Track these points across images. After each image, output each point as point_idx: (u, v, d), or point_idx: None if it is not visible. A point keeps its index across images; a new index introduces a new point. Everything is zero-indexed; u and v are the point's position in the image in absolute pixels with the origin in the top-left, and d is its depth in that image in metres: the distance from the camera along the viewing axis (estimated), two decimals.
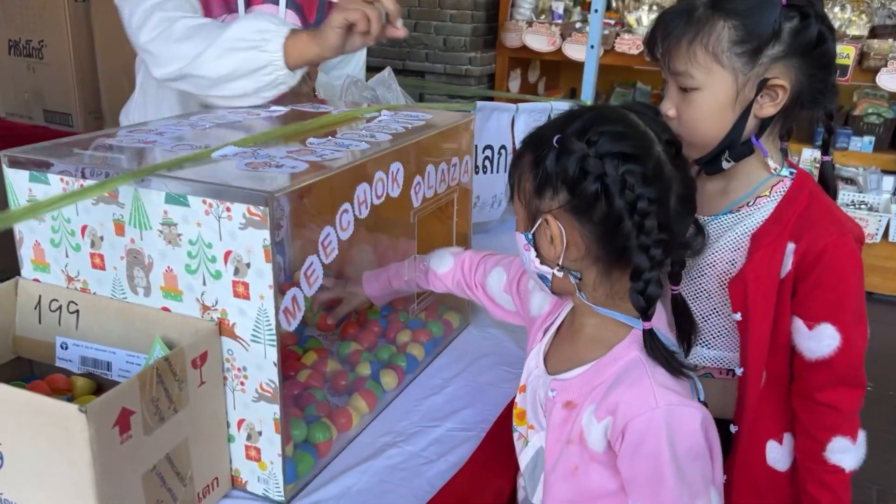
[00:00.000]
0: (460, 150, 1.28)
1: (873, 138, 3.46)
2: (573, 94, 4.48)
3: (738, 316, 0.96)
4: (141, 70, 1.52)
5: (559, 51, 3.69)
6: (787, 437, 1.01)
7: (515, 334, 1.36)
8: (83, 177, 0.91)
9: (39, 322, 0.99)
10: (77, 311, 0.96)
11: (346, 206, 0.97)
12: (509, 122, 1.83)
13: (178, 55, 1.22)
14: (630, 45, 3.54)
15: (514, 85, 4.05)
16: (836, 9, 3.46)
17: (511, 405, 1.13)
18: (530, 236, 0.84)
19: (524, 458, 0.95)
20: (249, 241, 0.84)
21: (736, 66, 0.91)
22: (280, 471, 0.92)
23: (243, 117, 1.23)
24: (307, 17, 1.44)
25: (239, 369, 0.90)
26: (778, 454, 1.02)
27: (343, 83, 1.61)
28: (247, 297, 0.87)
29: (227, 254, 0.86)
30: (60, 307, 0.97)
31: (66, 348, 0.97)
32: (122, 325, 0.95)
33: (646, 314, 0.79)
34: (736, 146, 0.95)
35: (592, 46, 2.30)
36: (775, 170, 0.98)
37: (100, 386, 0.97)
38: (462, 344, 1.34)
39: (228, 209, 0.84)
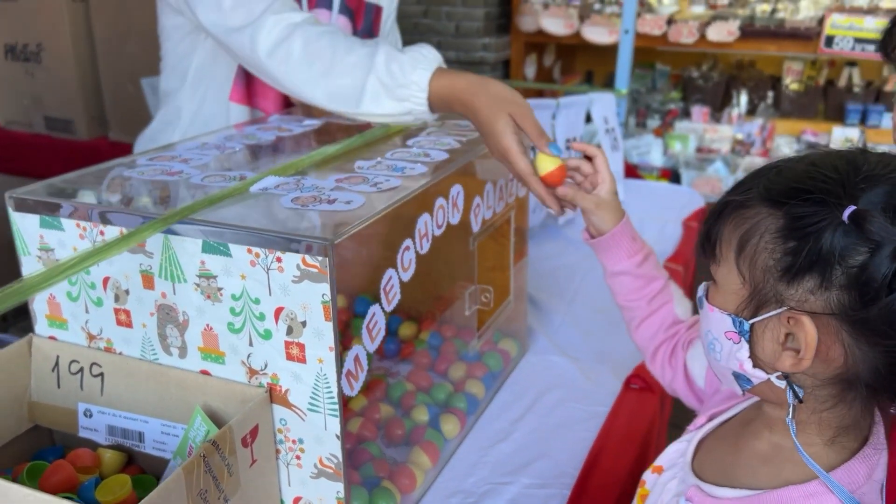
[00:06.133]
0: None
1: None
2: (589, 77, 4.31)
3: None
4: (196, 55, 1.24)
5: (577, 34, 3.53)
6: None
7: (579, 362, 1.23)
8: (102, 221, 0.78)
9: (58, 386, 0.86)
10: (101, 375, 0.84)
11: (408, 242, 0.84)
12: (549, 119, 1.69)
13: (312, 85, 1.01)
14: (652, 25, 3.37)
15: (530, 71, 3.89)
16: None
17: (595, 452, 1.01)
18: (747, 326, 0.57)
19: None
20: (305, 296, 0.71)
21: None
22: None
23: (274, 134, 1.10)
24: (356, 23, 1.30)
25: (294, 441, 0.78)
26: None
27: None
28: (302, 361, 0.74)
29: (279, 311, 0.73)
30: (82, 369, 0.84)
31: (91, 416, 0.85)
32: (154, 391, 0.82)
33: None
34: None
35: (627, 31, 2.20)
36: None
37: (131, 459, 0.84)
38: (522, 376, 1.21)
39: (279, 259, 0.70)
